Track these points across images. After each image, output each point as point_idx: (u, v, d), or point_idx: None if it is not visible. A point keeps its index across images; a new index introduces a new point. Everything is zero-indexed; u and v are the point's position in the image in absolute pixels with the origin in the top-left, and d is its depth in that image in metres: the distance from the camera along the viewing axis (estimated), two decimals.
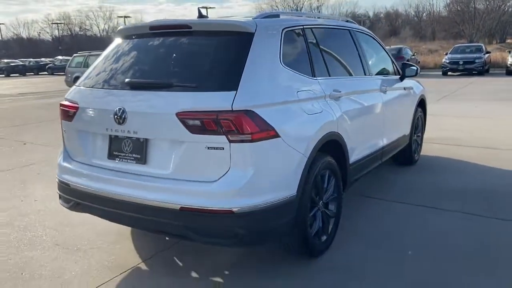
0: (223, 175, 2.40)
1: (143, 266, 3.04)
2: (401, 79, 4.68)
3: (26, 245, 3.40)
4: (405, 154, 5.13)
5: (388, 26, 67.96)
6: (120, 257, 3.17)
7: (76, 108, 2.89)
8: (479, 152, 5.86)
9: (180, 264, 3.08)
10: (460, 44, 26.79)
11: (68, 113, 2.95)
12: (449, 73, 21.48)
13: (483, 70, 20.65)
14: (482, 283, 2.70)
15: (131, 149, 2.66)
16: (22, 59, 47.43)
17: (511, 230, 3.43)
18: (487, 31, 49.32)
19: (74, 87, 3.11)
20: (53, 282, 2.84)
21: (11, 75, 40.16)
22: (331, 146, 3.12)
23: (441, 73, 21.98)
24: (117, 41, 3.16)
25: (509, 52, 21.46)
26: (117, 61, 2.97)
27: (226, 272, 2.95)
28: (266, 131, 2.45)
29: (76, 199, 2.89)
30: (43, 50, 70.31)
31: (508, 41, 49.54)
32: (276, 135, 2.51)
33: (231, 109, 2.36)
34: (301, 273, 2.87)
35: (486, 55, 21.65)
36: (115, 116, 2.63)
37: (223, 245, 2.69)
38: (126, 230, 3.58)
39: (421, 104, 5.37)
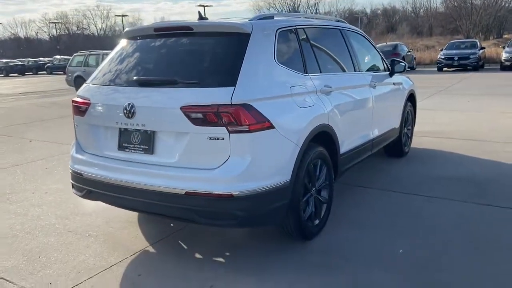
0: (224, 162, 2.67)
1: (151, 249, 3.31)
2: (390, 75, 4.94)
3: (41, 232, 3.66)
4: (395, 146, 5.40)
5: (386, 22, 68.26)
6: (129, 241, 3.43)
7: (88, 104, 3.14)
8: (467, 144, 6.14)
9: (185, 247, 3.35)
10: (456, 40, 27.05)
11: (80, 109, 3.21)
12: (444, 69, 21.76)
13: (478, 65, 20.95)
14: (470, 267, 2.97)
15: (140, 140, 2.92)
16: (21, 59, 47.65)
17: (495, 215, 3.71)
18: (484, 27, 49.64)
19: (84, 85, 3.37)
20: (68, 264, 3.10)
21: (10, 74, 40.35)
22: (323, 137, 3.38)
23: (436, 69, 22.26)
24: (124, 42, 3.42)
25: (503, 47, 21.73)
26: (125, 61, 3.22)
27: (227, 253, 3.21)
28: (262, 123, 2.71)
29: (89, 187, 3.14)
30: (41, 49, 70.47)
31: (505, 36, 49.81)
32: (271, 127, 2.77)
33: (230, 103, 2.62)
34: (295, 254, 3.14)
35: (481, 51, 21.94)
36: (125, 111, 2.89)
37: (224, 226, 2.96)
38: (133, 217, 3.85)
39: (411, 98, 5.63)
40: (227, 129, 2.63)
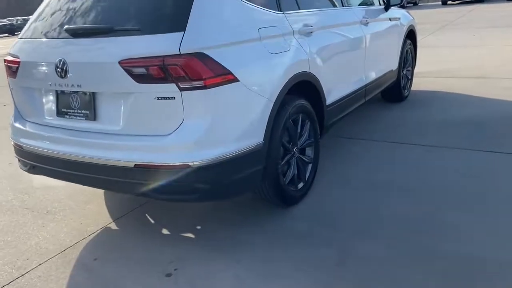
0: (177, 127, 2.19)
1: (113, 226, 2.92)
2: (386, 9, 4.33)
3: None
4: (393, 91, 4.88)
5: None
6: (90, 218, 3.04)
7: (18, 63, 2.63)
8: (472, 82, 5.61)
9: (152, 221, 2.95)
10: None
11: (12, 69, 2.70)
12: (449, 2, 20.67)
13: None
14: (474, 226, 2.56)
15: (79, 104, 2.44)
16: (10, 18, 46.02)
17: (500, 162, 3.26)
18: None
19: (17, 39, 2.83)
20: (18, 249, 2.72)
21: (0, 35, 39.13)
22: (304, 88, 2.89)
23: (440, 2, 21.11)
24: None
25: None
26: (58, 7, 2.66)
27: (198, 227, 2.82)
28: (222, 76, 2.21)
29: (31, 161, 2.70)
30: (33, 6, 68.09)
31: None
32: (234, 79, 2.26)
33: (178, 53, 2.11)
34: (275, 223, 2.74)
35: None
36: (57, 69, 2.38)
37: (184, 201, 2.55)
38: (99, 189, 3.44)
39: (410, 35, 5.02)
40: (178, 86, 2.13)
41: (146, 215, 3.03)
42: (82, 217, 3.06)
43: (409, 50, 5.04)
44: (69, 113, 2.49)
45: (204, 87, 2.14)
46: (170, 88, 2.13)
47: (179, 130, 2.19)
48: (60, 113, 2.53)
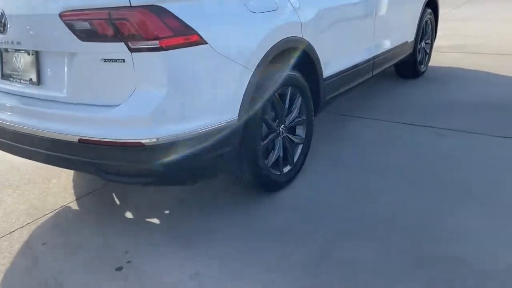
0: (128, 97, 1.83)
1: (74, 206, 2.60)
2: None
3: None
4: (408, 65, 4.39)
5: None
6: (52, 194, 2.73)
7: None
8: (497, 60, 5.06)
9: (118, 202, 2.63)
10: None
11: None
12: None
13: None
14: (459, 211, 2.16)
15: (23, 65, 2.08)
16: None
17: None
18: None
19: None
20: None
21: None
22: (295, 57, 2.47)
23: None
24: None
25: None
26: None
27: (166, 212, 2.48)
28: (184, 36, 1.81)
29: None
30: None
31: None
32: (201, 41, 1.86)
33: (129, 4, 1.72)
34: (251, 213, 2.38)
35: None
36: None
37: (138, 184, 2.20)
38: None
39: (431, 3, 4.47)
40: (128, 46, 1.75)
41: (113, 194, 2.71)
42: (44, 194, 2.75)
43: (428, 20, 4.50)
44: (13, 76, 2.14)
45: (161, 48, 1.75)
46: (118, 48, 1.76)
47: (130, 100, 1.82)
48: (4, 76, 2.19)
